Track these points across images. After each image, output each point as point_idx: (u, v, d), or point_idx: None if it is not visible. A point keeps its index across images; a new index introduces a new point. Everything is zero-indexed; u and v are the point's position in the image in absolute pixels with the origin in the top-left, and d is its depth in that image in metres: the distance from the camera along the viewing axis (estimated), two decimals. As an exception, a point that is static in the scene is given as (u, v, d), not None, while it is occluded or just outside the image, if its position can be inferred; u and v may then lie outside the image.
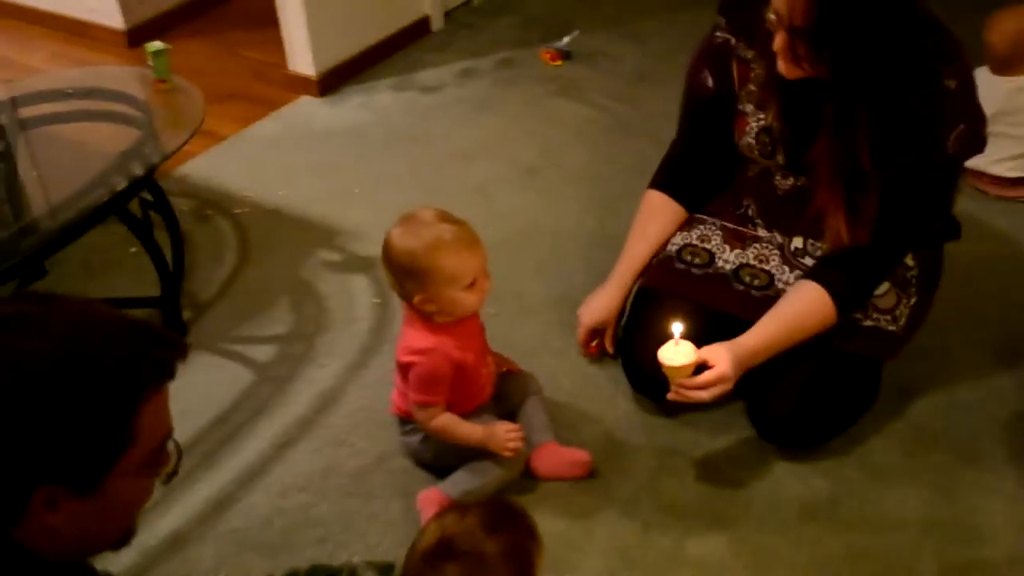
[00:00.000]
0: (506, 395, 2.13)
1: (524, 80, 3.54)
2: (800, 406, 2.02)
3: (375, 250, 2.71)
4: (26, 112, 2.56)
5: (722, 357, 1.88)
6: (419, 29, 3.84)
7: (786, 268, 2.11)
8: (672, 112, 2.25)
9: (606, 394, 2.26)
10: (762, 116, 2.03)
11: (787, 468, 2.06)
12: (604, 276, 2.54)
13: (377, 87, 3.56)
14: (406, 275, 1.89)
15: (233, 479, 2.12)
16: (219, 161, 3.21)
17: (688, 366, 1.86)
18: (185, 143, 2.30)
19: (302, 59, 3.50)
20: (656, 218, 2.29)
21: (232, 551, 1.98)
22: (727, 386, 1.89)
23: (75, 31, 4.05)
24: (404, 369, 1.98)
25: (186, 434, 2.22)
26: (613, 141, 3.16)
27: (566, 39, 3.61)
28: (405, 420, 2.07)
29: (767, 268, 2.13)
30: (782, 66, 1.87)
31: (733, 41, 2.03)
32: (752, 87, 2.03)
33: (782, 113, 1.99)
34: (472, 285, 1.88)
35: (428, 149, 3.19)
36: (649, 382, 2.15)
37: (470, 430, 1.96)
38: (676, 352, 1.87)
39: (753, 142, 2.05)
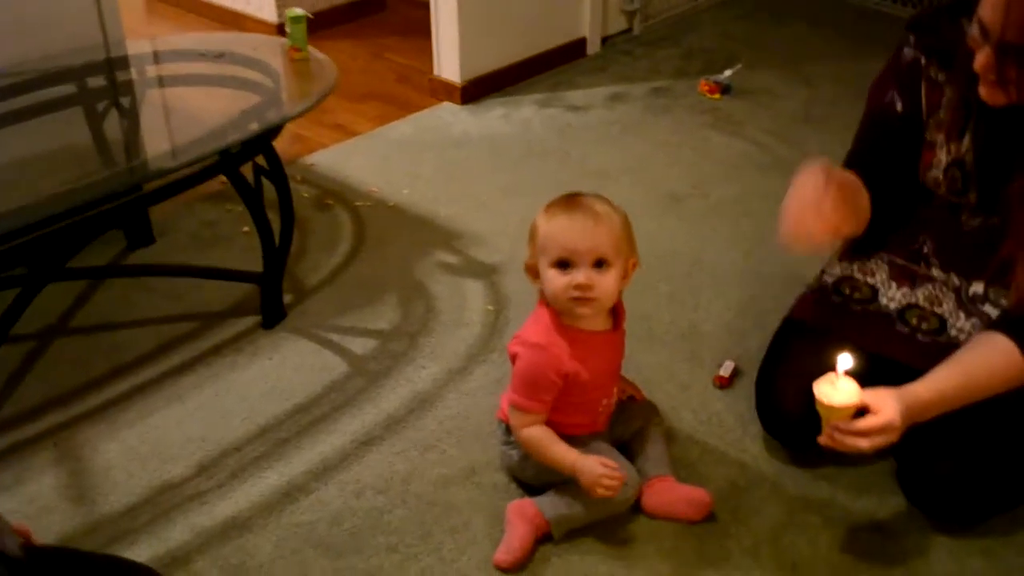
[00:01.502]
0: (623, 421, 1.90)
1: (677, 109, 3.33)
2: (962, 472, 1.72)
3: (496, 257, 2.57)
4: (157, 69, 2.47)
5: (889, 404, 1.60)
6: (574, 50, 3.69)
7: (961, 314, 1.83)
8: (839, 155, 1.96)
9: (734, 435, 2.00)
10: (953, 148, 1.76)
11: (938, 542, 1.76)
12: (743, 312, 2.33)
13: (521, 101, 3.40)
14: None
15: (307, 471, 1.93)
16: (348, 155, 3.09)
17: (848, 407, 1.59)
18: (308, 110, 2.16)
19: (449, 64, 3.37)
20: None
21: (293, 545, 1.78)
22: (891, 437, 1.60)
23: (228, 21, 4.03)
24: (512, 361, 1.77)
25: (264, 417, 2.06)
26: (769, 177, 2.91)
27: (728, 72, 3.40)
28: (510, 429, 1.85)
29: (939, 312, 1.85)
30: (984, 91, 1.61)
31: (924, 61, 1.78)
32: (943, 115, 1.77)
33: (978, 145, 1.72)
34: (564, 267, 1.66)
35: (565, 165, 3.00)
36: (785, 424, 1.89)
37: (562, 453, 1.73)
38: (836, 389, 1.60)
39: (941, 177, 1.78)
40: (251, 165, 2.22)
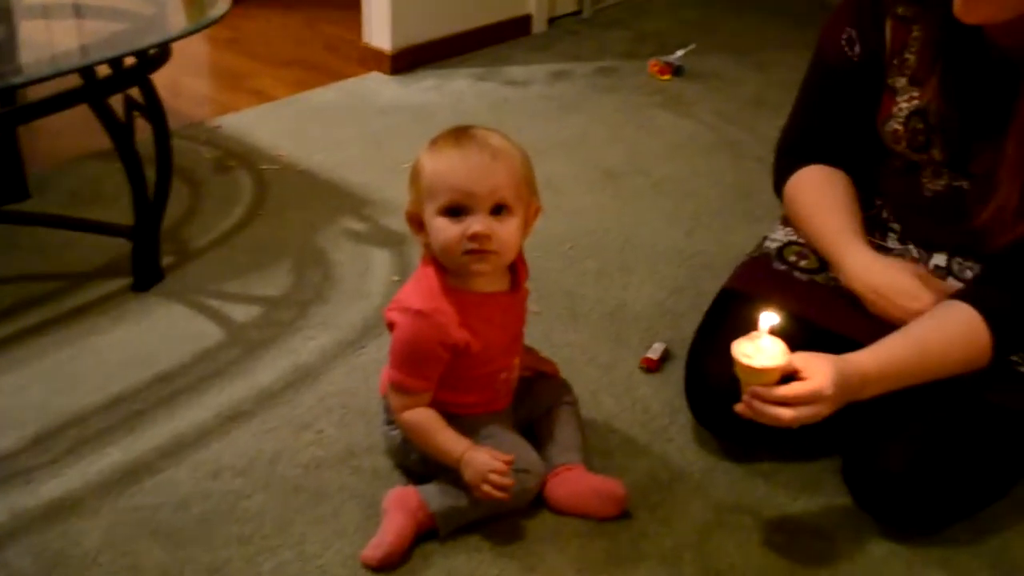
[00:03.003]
0: (530, 401, 1.62)
1: (624, 89, 3.07)
2: (918, 467, 1.45)
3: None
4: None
5: (821, 369, 1.34)
6: (517, 27, 3.43)
7: (921, 288, 1.57)
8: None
9: (658, 423, 1.72)
10: (916, 94, 1.50)
11: (889, 550, 1.49)
12: (679, 293, 2.07)
13: (456, 74, 3.13)
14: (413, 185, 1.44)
15: (158, 447, 1.63)
16: (260, 119, 2.80)
17: (771, 370, 1.33)
18: (187, 34, 1.87)
19: (379, 31, 3.10)
20: (830, 185, 1.63)
21: (127, 532, 1.47)
22: (821, 410, 1.34)
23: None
24: (389, 330, 1.49)
25: (118, 386, 1.76)
26: (717, 158, 2.66)
27: (680, 52, 3.16)
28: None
29: (895, 285, 1.59)
30: (959, 3, 1.35)
31: None
32: (909, 55, 1.51)
33: (945, 91, 1.46)
34: (456, 215, 1.38)
35: (497, 137, 2.74)
36: (716, 407, 1.61)
37: (449, 443, 1.45)
38: (758, 348, 1.33)
39: (901, 128, 1.52)
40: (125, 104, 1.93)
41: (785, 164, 1.71)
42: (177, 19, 2.05)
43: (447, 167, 1.37)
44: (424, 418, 1.45)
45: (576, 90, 3.06)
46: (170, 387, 1.76)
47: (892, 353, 1.41)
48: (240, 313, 1.98)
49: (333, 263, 2.14)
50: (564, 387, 1.66)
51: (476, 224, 1.37)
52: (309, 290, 2.05)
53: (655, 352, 1.86)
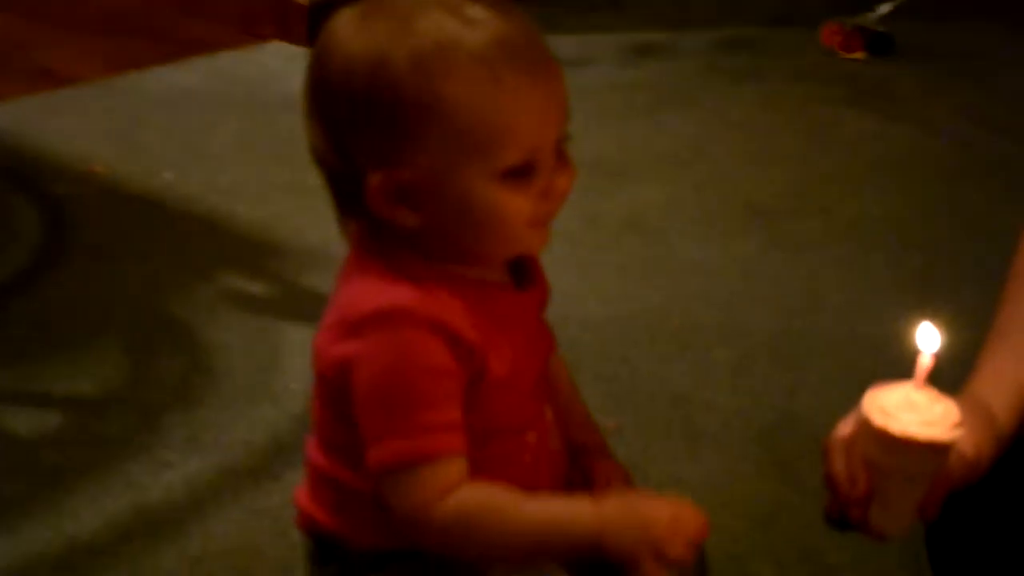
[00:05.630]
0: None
1: (775, 73, 3.35)
2: None
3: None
4: None
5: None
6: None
7: None
8: None
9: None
10: None
11: None
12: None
13: (439, 46, 3.41)
14: (367, 122, 1.57)
15: None
16: (52, 113, 3.08)
17: (937, 444, 1.44)
18: None
19: (284, -37, 3.39)
20: None
21: None
22: None
23: None
24: (327, 388, 1.62)
25: None
26: (967, 190, 2.90)
27: (884, 6, 3.44)
28: (325, 542, 1.70)
29: None
30: None
31: None
32: None
33: None
34: (531, 171, 1.55)
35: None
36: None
37: (560, 510, 1.56)
38: (911, 405, 1.45)
39: None
40: None
41: None
42: None
43: (525, 90, 1.54)
44: (487, 496, 1.55)
45: (681, 75, 3.33)
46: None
47: None
48: (26, 422, 2.16)
49: (207, 346, 2.33)
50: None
51: (557, 177, 1.55)
52: (162, 387, 2.24)
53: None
